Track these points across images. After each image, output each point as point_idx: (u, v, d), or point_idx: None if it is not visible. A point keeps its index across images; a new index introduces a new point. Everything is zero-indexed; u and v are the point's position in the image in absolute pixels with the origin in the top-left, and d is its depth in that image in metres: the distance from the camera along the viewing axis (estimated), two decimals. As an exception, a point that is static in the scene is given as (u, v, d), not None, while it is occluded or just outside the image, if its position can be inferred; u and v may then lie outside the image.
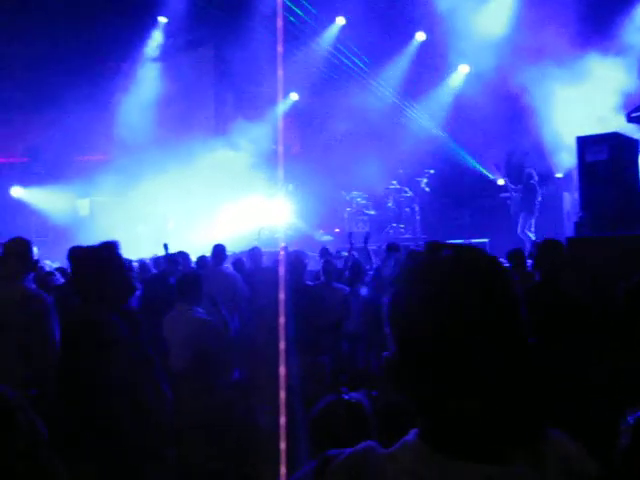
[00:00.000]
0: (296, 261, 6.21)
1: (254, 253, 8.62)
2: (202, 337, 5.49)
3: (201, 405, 4.22)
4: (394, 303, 1.22)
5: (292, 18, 16.03)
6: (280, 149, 16.33)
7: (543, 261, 4.76)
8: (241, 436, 4.34)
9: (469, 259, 1.22)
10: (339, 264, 9.30)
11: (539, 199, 14.19)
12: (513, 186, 14.68)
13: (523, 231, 13.71)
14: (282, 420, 3.87)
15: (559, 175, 15.61)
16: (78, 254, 3.64)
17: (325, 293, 6.58)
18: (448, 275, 1.18)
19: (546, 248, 4.81)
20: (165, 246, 8.70)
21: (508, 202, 15.01)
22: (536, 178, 14.33)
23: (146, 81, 18.39)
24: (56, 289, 6.63)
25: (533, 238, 13.09)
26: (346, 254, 10.48)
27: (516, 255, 7.69)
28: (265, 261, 9.42)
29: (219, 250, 8.21)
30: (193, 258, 9.15)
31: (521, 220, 13.89)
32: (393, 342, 1.22)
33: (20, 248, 4.82)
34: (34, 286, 5.04)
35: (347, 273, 8.28)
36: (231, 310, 6.33)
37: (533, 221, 13.98)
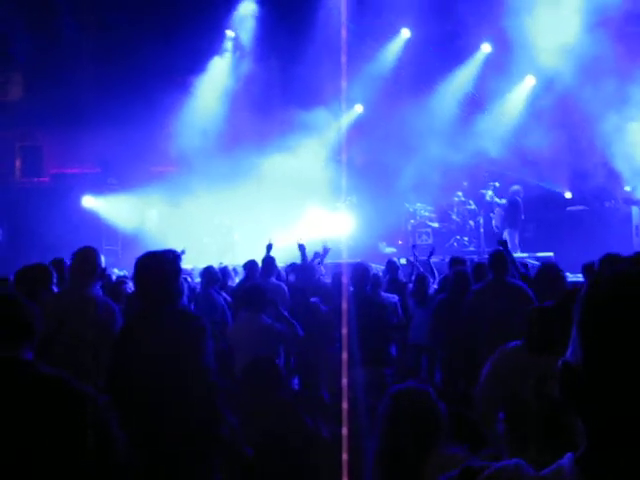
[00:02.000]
0: (359, 272, 6.24)
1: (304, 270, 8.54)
2: (271, 343, 5.60)
3: (267, 416, 4.29)
4: (601, 305, 1.07)
5: (356, 30, 16.11)
6: (343, 161, 16.45)
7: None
8: (305, 448, 4.38)
9: None
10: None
11: (522, 216, 14.21)
12: (498, 200, 14.75)
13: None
14: (344, 431, 3.90)
15: (627, 188, 15.29)
16: (153, 260, 3.81)
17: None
18: None
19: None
20: (269, 247, 8.77)
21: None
22: (522, 195, 14.46)
23: (212, 94, 18.72)
24: (127, 297, 6.79)
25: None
26: (404, 261, 10.49)
27: (592, 269, 7.48)
28: (327, 273, 9.49)
29: (268, 263, 8.30)
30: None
31: (506, 236, 13.93)
32: (584, 349, 1.07)
33: (88, 257, 4.95)
34: (101, 294, 5.18)
35: (411, 285, 8.31)
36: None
37: (517, 237, 14.00)
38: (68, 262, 5.19)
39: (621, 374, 1.02)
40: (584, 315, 1.09)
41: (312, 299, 6.82)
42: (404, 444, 3.04)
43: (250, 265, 8.51)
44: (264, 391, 4.41)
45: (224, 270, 9.33)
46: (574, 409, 1.08)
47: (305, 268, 8.21)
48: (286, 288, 7.85)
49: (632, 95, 14.40)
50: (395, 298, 6.28)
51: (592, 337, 1.06)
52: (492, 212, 15.10)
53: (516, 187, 15.05)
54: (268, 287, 7.15)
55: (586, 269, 7.38)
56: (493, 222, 14.99)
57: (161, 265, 3.74)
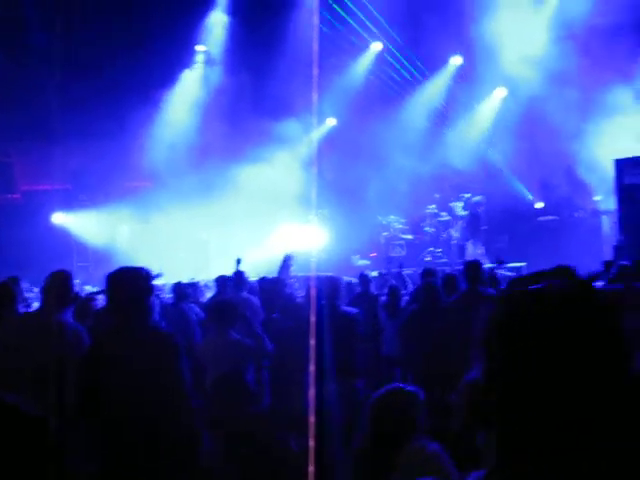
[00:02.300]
0: (329, 285, 6.23)
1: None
2: (240, 358, 5.56)
3: (235, 431, 4.26)
4: (500, 325, 1.10)
5: (328, 43, 16.14)
6: (316, 174, 16.46)
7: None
8: (274, 461, 4.36)
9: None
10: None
11: (484, 227, 14.40)
12: (461, 213, 14.94)
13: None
14: (311, 443, 3.90)
15: (598, 198, 15.46)
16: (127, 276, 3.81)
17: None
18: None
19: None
20: (238, 261, 8.71)
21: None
22: (482, 206, 14.68)
23: (183, 107, 18.63)
24: (95, 314, 6.69)
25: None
26: (375, 273, 10.52)
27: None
28: (298, 286, 9.51)
29: (239, 277, 8.24)
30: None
31: (471, 247, 14.08)
32: (489, 365, 1.10)
33: (60, 282, 4.91)
34: (71, 319, 5.12)
35: (385, 298, 8.33)
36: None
37: (481, 248, 14.18)
38: (23, 281, 5.12)
39: (521, 391, 1.04)
40: (488, 333, 1.12)
41: (274, 315, 6.81)
42: (383, 443, 3.22)
43: (221, 280, 8.46)
44: (232, 406, 4.38)
45: (194, 285, 9.26)
46: (482, 426, 1.08)
47: (276, 282, 8.19)
48: (258, 302, 7.79)
49: (597, 106, 14.61)
50: (355, 311, 6.33)
51: (494, 355, 1.09)
52: (455, 224, 15.23)
53: (477, 198, 15.20)
54: (239, 301, 7.12)
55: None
56: (456, 234, 15.15)
57: (134, 281, 3.73)
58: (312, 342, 5.04)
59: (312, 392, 4.68)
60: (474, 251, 14.14)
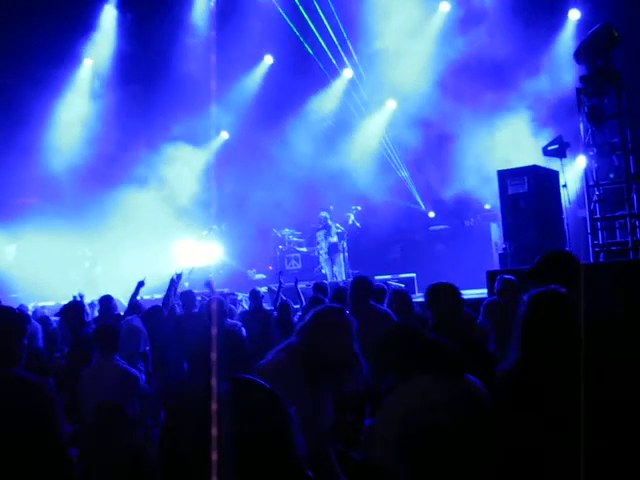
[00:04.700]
0: (215, 308, 6.17)
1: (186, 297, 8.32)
2: (126, 386, 5.38)
3: (112, 460, 4.13)
4: None
5: (219, 57, 16.07)
6: (210, 188, 16.30)
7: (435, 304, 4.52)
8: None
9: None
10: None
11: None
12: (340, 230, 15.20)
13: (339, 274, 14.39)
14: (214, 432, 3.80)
15: (487, 206, 15.89)
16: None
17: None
18: None
19: (438, 291, 4.56)
20: (140, 284, 8.29)
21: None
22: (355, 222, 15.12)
23: (74, 122, 18.05)
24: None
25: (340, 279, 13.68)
26: (265, 289, 10.48)
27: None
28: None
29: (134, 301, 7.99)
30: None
31: (336, 267, 14.49)
32: None
33: None
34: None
35: (276, 314, 8.28)
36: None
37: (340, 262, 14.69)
38: None
39: None
40: None
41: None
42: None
43: (104, 300, 8.19)
44: (109, 436, 4.24)
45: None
46: None
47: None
48: (143, 329, 7.50)
49: (486, 118, 15.04)
50: (238, 324, 6.35)
51: None
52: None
53: (348, 214, 15.45)
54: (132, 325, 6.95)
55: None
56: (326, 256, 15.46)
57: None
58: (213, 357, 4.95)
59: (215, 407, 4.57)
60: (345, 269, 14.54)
